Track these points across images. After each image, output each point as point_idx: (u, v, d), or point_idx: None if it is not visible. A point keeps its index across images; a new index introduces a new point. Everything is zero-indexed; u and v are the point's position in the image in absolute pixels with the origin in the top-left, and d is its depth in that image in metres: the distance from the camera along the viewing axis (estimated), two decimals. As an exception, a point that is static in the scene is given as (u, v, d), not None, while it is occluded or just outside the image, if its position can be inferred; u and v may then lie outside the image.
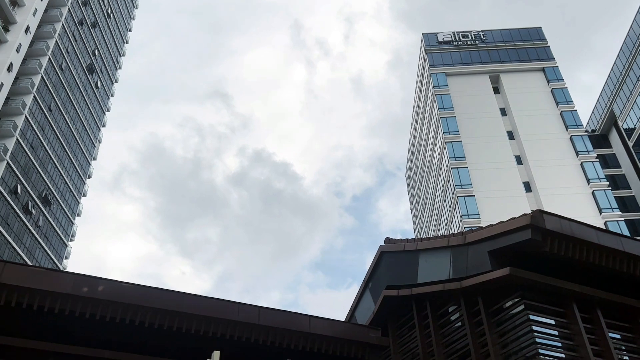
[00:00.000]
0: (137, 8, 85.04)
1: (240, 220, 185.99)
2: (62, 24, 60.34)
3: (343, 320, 14.83)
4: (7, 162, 48.90)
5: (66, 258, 60.81)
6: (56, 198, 58.41)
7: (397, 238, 14.37)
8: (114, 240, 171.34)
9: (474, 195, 52.80)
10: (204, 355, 7.25)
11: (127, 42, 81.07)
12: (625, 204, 58.09)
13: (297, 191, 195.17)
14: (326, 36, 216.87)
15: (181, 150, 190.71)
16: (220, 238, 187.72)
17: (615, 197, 54.09)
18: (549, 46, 65.97)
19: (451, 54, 66.53)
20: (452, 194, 55.34)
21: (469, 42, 67.44)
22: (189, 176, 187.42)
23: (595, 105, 70.91)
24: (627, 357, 11.01)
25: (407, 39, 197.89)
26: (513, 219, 10.64)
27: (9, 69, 51.61)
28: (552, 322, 10.87)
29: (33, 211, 53.11)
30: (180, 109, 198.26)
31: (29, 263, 49.98)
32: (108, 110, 74.00)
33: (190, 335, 10.07)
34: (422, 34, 70.27)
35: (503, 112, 60.73)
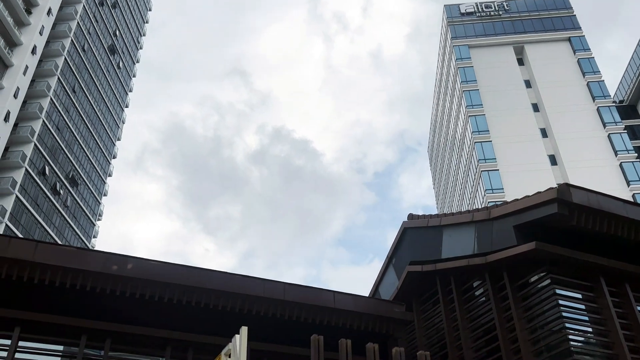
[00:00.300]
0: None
1: (261, 197, 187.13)
2: (83, 5, 60.61)
3: (367, 295, 14.93)
4: (35, 144, 49.79)
5: (94, 237, 62.11)
6: (83, 178, 59.44)
7: (420, 214, 14.34)
8: (139, 219, 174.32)
9: (498, 170, 52.16)
10: (231, 331, 7.38)
11: (147, 22, 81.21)
12: (654, 175, 56.84)
13: (318, 168, 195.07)
14: (344, 10, 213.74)
15: (201, 128, 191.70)
16: (242, 215, 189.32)
17: (644, 169, 52.94)
18: (574, 15, 64.15)
19: (474, 26, 65.17)
20: (476, 169, 54.78)
21: (492, 13, 65.94)
22: (210, 154, 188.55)
23: (623, 75, 69.05)
24: (655, 331, 10.91)
25: (427, 10, 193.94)
26: (539, 193, 10.52)
27: (33, 51, 52.21)
28: (579, 296, 10.80)
29: (61, 192, 54.18)
30: (199, 87, 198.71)
31: (59, 242, 51.20)
32: (130, 91, 74.58)
33: (217, 311, 10.26)
34: (444, 5, 68.92)
35: (528, 84, 59.52)
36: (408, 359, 10.05)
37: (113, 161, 68.31)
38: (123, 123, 72.03)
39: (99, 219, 63.46)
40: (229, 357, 6.67)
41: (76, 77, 58.60)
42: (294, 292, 10.91)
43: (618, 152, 52.05)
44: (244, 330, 6.53)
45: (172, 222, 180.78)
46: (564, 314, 10.28)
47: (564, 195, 10.13)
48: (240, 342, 6.45)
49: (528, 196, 10.80)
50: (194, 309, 10.15)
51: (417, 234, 13.80)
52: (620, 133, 53.79)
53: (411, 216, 14.21)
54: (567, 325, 10.18)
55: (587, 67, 59.16)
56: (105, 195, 65.61)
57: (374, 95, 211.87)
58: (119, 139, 70.57)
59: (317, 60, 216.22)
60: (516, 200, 11.07)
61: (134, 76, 76.16)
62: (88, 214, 60.36)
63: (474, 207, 54.84)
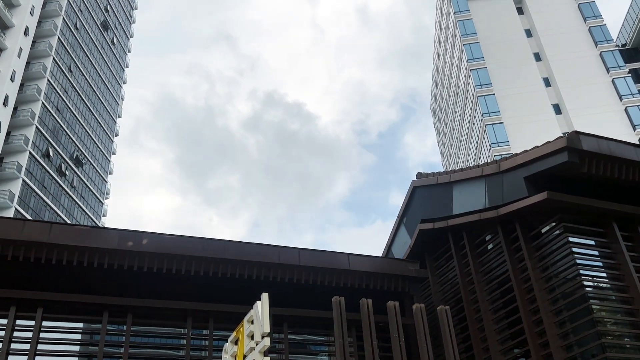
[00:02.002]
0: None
1: (259, 164, 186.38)
2: (72, -18, 59.58)
3: (380, 256, 15.05)
4: (36, 127, 49.69)
5: (104, 216, 62.57)
6: (87, 158, 59.52)
7: (429, 172, 14.31)
8: (144, 194, 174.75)
9: (503, 122, 51.79)
10: (249, 299, 7.46)
11: (138, -5, 79.83)
12: (660, 118, 56.35)
13: (313, 131, 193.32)
14: None
15: (192, 98, 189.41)
16: (241, 184, 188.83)
17: (649, 112, 52.44)
18: (574, -42, 62.51)
19: (471, -23, 63.68)
20: (480, 123, 54.42)
21: (488, -38, 64.32)
22: (204, 124, 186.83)
23: (625, 18, 67.71)
24: (670, 272, 10.98)
25: None
26: (548, 142, 10.44)
27: (25, 32, 51.58)
28: (592, 242, 10.84)
29: (67, 172, 54.33)
30: (185, 57, 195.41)
31: (69, 222, 51.63)
32: (127, 67, 73.89)
33: (234, 280, 10.37)
34: (439, -43, 67.24)
35: (528, 33, 58.51)
36: (426, 315, 10.18)
37: (115, 139, 68.25)
38: (122, 100, 71.65)
39: (106, 198, 63.80)
40: (252, 323, 6.76)
41: (71, 56, 58.03)
42: (309, 256, 11.00)
43: (623, 97, 51.49)
44: (265, 296, 6.60)
45: (171, 196, 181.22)
46: (578, 261, 10.34)
47: (574, 143, 10.06)
48: (262, 308, 6.52)
49: (537, 147, 10.72)
50: (212, 280, 10.26)
51: (427, 192, 13.79)
52: (624, 77, 53.08)
53: (420, 175, 14.18)
54: (582, 272, 10.24)
55: (588, 11, 58.00)
56: (111, 173, 65.80)
57: (365, 53, 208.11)
58: (119, 116, 70.33)
59: (303, 21, 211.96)
60: (525, 151, 11.00)
61: (129, 51, 75.34)
62: (95, 193, 60.66)
63: (480, 162, 54.73)
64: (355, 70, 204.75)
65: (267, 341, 6.38)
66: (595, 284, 10.50)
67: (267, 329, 6.41)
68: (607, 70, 53.71)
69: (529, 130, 49.03)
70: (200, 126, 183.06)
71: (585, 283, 10.16)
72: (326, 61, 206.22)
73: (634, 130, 49.20)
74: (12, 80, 48.36)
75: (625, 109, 50.92)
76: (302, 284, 10.85)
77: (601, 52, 55.03)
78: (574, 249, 10.45)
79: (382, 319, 10.04)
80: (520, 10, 60.91)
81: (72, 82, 57.74)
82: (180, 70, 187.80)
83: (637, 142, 46.80)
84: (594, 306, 9.90)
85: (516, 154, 11.28)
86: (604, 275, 10.57)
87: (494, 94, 53.86)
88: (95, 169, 61.35)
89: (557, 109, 52.48)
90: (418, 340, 9.79)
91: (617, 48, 56.81)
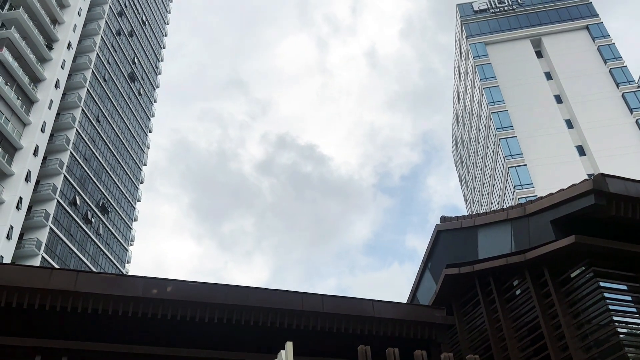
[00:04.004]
0: (170, 12, 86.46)
1: (273, 208, 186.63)
2: (101, 36, 61.96)
3: (405, 302, 14.80)
4: (64, 175, 50.84)
5: (128, 262, 62.96)
6: (113, 205, 60.42)
7: (452, 216, 14.19)
8: (163, 240, 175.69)
9: (526, 165, 51.44)
10: (273, 347, 7.38)
11: (164, 47, 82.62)
12: (687, 158, 55.39)
13: (325, 173, 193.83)
14: (334, 11, 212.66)
15: (204, 143, 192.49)
16: (255, 228, 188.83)
17: (676, 153, 51.60)
18: (591, 2, 63.23)
19: (488, 22, 64.70)
20: (503, 165, 54.09)
21: (506, 8, 65.40)
22: (217, 168, 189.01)
23: (646, 59, 67.59)
24: None
25: (418, 3, 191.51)
26: (574, 185, 10.32)
27: (56, 85, 53.48)
28: (625, 287, 10.53)
29: (93, 220, 55.13)
30: (198, 103, 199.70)
31: (94, 270, 52.01)
32: (153, 116, 75.78)
33: (258, 327, 10.26)
34: (457, 4, 68.58)
35: (548, 76, 58.74)
36: (454, 364, 9.89)
37: (141, 186, 69.33)
38: (148, 148, 73.15)
39: (131, 244, 64.35)
40: (276, 373, 6.66)
41: (99, 107, 59.81)
42: (333, 303, 10.85)
43: (648, 137, 50.90)
44: (289, 345, 6.52)
45: (186, 241, 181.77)
46: (611, 307, 10.03)
47: (601, 186, 9.93)
48: (286, 357, 6.43)
49: (563, 189, 10.60)
50: (235, 328, 10.17)
51: (451, 236, 13.64)
52: (648, 117, 52.60)
53: (444, 218, 14.06)
54: (615, 318, 9.92)
55: (608, 53, 58.16)
56: (135, 220, 66.55)
57: (375, 96, 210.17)
58: (145, 164, 71.64)
59: (312, 65, 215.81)
60: (551, 194, 10.88)
61: (155, 101, 77.42)
62: (120, 240, 61.26)
63: (504, 205, 54.07)
64: (363, 111, 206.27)
65: (292, 391, 6.26)
66: (630, 330, 10.14)
67: (292, 379, 6.30)
68: (631, 111, 53.38)
69: (553, 172, 48.56)
70: (213, 170, 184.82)
71: (619, 329, 9.82)
72: (335, 104, 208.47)
73: (662, 171, 48.30)
74: (42, 131, 49.88)
75: (651, 150, 50.24)
76: (326, 332, 10.67)
77: (623, 93, 54.84)
78: (606, 294, 10.15)
79: (409, 368, 9.77)
80: (539, 54, 61.37)
81: (100, 131, 59.31)
82: (192, 116, 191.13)
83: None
84: (629, 354, 9.53)
85: (541, 197, 11.16)
86: (639, 321, 10.21)
87: (515, 136, 53.73)
88: (121, 216, 62.17)
89: (581, 151, 52.01)
90: (447, 391, 9.47)
91: (639, 89, 56.54)
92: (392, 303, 11.68)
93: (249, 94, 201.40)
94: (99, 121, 59.31)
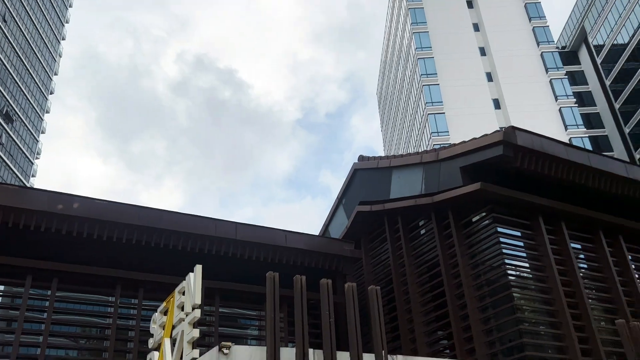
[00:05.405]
0: None
1: (187, 132, 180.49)
2: None
3: (317, 234, 15.22)
4: (-37, 77, 46.71)
5: (33, 176, 59.88)
6: (18, 114, 56.52)
7: (371, 156, 14.52)
8: (70, 156, 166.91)
9: (444, 113, 53.09)
10: (183, 270, 7.39)
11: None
12: (589, 120, 59.35)
13: (243, 101, 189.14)
14: None
15: (115, 55, 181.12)
16: (167, 152, 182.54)
17: (581, 114, 55.12)
18: (524, -42, 64.12)
19: (425, -34, 64.24)
20: (423, 112, 55.53)
21: (444, -47, 65.03)
22: (127, 84, 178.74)
23: (566, 21, 70.46)
24: (586, 265, 11.69)
25: None
26: (486, 135, 10.79)
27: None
28: (519, 234, 11.35)
29: (-5, 128, 51.52)
30: (111, 10, 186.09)
31: (-5, 181, 49.05)
32: (67, 22, 70.32)
33: (168, 250, 10.22)
34: (397, -57, 67.40)
35: (476, 27, 59.90)
36: (357, 294, 10.39)
37: (50, 97, 65.12)
38: (60, 57, 68.28)
39: (37, 158, 61.02)
40: (183, 294, 6.71)
41: (6, 5, 54.57)
42: (246, 231, 10.97)
43: (558, 97, 53.82)
44: (198, 268, 6.55)
45: (93, 159, 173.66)
46: (504, 251, 10.81)
47: (510, 138, 10.43)
48: (194, 279, 6.48)
49: (475, 138, 11.06)
50: (145, 249, 10.06)
51: (367, 175, 14.00)
52: (561, 79, 55.44)
53: (361, 158, 14.36)
54: (507, 260, 10.72)
55: (534, 11, 59.94)
56: (43, 132, 62.89)
57: (299, 25, 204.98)
58: (56, 74, 67.06)
59: None
60: (464, 142, 11.33)
61: (71, 6, 71.68)
62: (25, 151, 57.85)
63: (420, 150, 55.97)
64: (287, 40, 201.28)
65: (197, 313, 6.35)
66: (518, 273, 11.04)
67: (198, 301, 6.38)
68: (546, 70, 55.87)
69: (469, 122, 50.49)
70: (123, 85, 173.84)
71: (509, 272, 10.65)
72: (260, 30, 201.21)
73: (566, 130, 51.65)
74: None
75: (560, 109, 53.27)
76: (237, 258, 10.83)
77: (542, 52, 57.13)
78: (501, 239, 10.91)
79: (314, 297, 10.17)
80: (470, 4, 62.16)
81: (6, 32, 54.40)
82: (103, 23, 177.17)
83: (568, 141, 49.12)
84: (514, 294, 10.41)
85: (454, 144, 11.61)
86: (527, 265, 11.12)
87: (438, 84, 55.02)
88: (27, 126, 58.41)
89: (497, 104, 54.25)
90: (347, 318, 10.00)
91: (557, 50, 59.15)
92: (303, 234, 11.98)
93: (166, 6, 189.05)
94: (5, 21, 54.29)
